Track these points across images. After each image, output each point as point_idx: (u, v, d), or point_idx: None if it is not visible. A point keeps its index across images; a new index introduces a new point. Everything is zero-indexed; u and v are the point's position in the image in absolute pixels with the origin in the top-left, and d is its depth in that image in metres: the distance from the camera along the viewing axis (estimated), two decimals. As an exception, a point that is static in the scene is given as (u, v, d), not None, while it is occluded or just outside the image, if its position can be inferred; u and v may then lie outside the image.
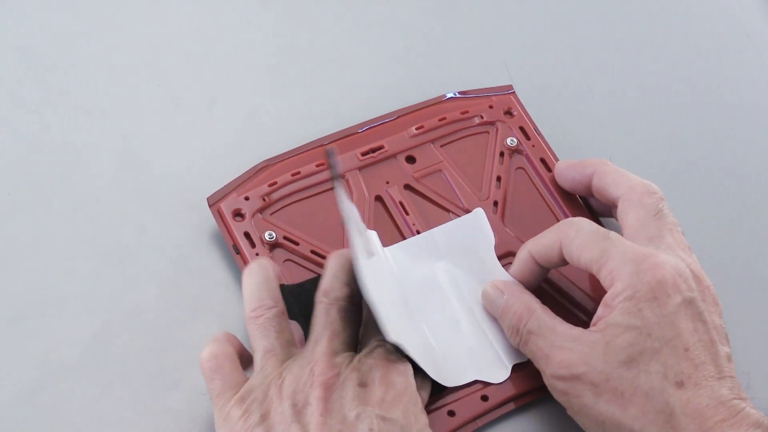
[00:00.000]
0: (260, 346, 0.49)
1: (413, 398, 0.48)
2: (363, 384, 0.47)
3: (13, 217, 0.56)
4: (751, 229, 0.63)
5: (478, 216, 0.58)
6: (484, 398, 0.52)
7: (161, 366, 0.52)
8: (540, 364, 0.51)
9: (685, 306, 0.48)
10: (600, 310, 0.50)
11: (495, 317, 0.54)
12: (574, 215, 0.57)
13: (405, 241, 0.56)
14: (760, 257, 0.62)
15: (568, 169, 0.58)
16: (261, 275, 0.51)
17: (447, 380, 0.52)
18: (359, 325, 0.51)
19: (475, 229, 0.57)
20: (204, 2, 0.67)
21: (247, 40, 0.65)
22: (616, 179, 0.55)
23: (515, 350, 0.53)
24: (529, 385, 0.53)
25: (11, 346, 0.52)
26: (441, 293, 0.55)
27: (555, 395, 0.50)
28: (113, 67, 0.62)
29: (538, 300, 0.53)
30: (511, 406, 0.53)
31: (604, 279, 0.50)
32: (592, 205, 0.60)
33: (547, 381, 0.50)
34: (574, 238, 0.51)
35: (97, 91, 0.61)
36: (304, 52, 0.65)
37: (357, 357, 0.49)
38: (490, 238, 0.57)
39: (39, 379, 0.51)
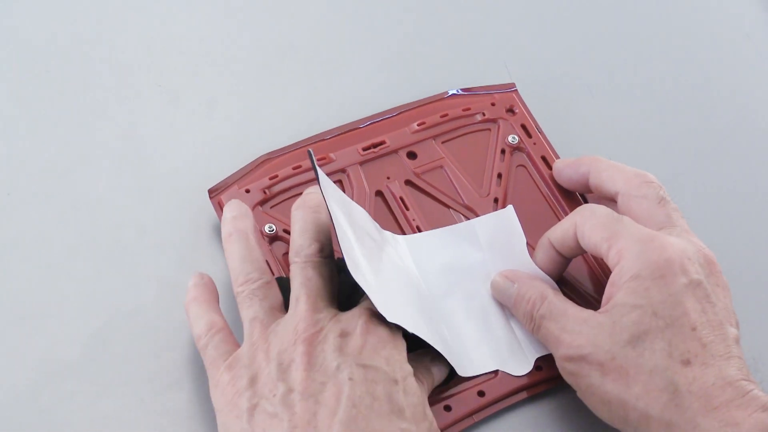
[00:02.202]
0: (246, 315, 0.49)
1: (398, 347, 0.48)
2: (344, 334, 0.47)
3: (13, 217, 0.56)
4: (752, 228, 0.63)
5: (509, 214, 0.58)
6: (481, 394, 0.52)
7: (161, 366, 0.52)
8: (551, 348, 0.51)
9: (693, 287, 0.48)
10: (607, 291, 0.50)
11: (508, 307, 0.54)
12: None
13: (445, 228, 0.57)
14: (760, 257, 0.62)
15: (565, 168, 0.59)
16: (243, 245, 0.51)
17: (466, 368, 0.52)
18: (336, 278, 0.51)
19: (508, 225, 0.57)
20: (203, 1, 0.67)
21: (249, 35, 0.65)
22: (611, 175, 0.55)
23: (539, 345, 0.53)
24: (526, 381, 0.53)
25: (11, 346, 0.52)
26: (472, 283, 0.55)
27: (565, 377, 0.51)
28: (113, 67, 0.62)
29: (551, 285, 0.53)
30: (507, 401, 0.53)
31: (612, 259, 0.50)
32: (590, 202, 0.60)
33: (558, 363, 0.51)
34: (588, 219, 0.51)
35: (97, 91, 0.61)
36: (306, 48, 0.65)
37: (341, 313, 0.49)
38: (521, 235, 0.57)
39: (39, 379, 0.51)
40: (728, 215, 0.62)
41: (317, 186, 0.52)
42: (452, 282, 0.55)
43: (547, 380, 0.53)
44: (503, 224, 0.57)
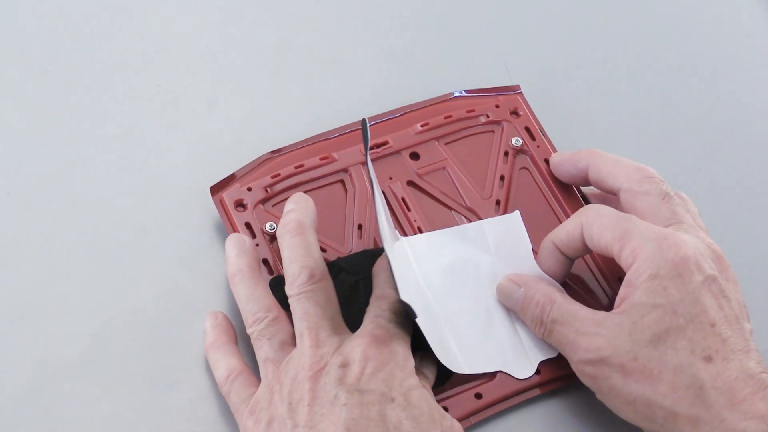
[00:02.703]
0: (259, 357, 0.51)
1: (399, 364, 0.48)
2: (344, 365, 0.48)
3: (13, 217, 0.55)
4: (752, 226, 0.63)
5: (515, 219, 0.58)
6: (478, 396, 0.52)
7: (161, 366, 0.52)
8: (566, 352, 0.51)
9: (709, 283, 0.49)
10: (622, 291, 0.50)
11: (514, 311, 0.54)
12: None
13: (453, 228, 0.57)
14: (760, 256, 0.62)
15: (562, 162, 0.59)
16: (246, 284, 0.52)
17: (465, 366, 0.52)
18: (334, 298, 0.51)
19: (514, 229, 0.57)
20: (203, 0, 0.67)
21: (251, 34, 0.65)
22: (611, 170, 0.55)
23: (542, 348, 0.53)
24: (523, 384, 0.53)
25: (11, 346, 0.51)
26: (478, 284, 0.55)
27: (583, 380, 0.51)
28: (113, 67, 0.62)
29: (558, 288, 0.53)
30: (504, 404, 0.53)
31: (625, 258, 0.50)
32: (591, 202, 0.60)
33: (575, 367, 0.51)
34: (596, 219, 0.51)
35: (97, 91, 0.61)
36: (309, 48, 0.65)
37: (345, 341, 0.49)
38: (527, 241, 0.57)
39: (39, 379, 0.51)
40: (729, 214, 0.63)
41: (295, 196, 0.53)
42: (456, 282, 0.55)
43: (544, 383, 0.53)
44: (510, 228, 0.57)
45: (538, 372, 0.53)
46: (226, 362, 0.51)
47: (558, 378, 0.53)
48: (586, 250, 0.52)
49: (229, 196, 0.56)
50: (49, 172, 0.57)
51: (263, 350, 0.50)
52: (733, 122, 0.67)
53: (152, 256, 0.55)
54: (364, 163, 0.58)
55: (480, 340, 0.53)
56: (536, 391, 0.53)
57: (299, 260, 0.51)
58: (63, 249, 0.55)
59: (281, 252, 0.52)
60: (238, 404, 0.50)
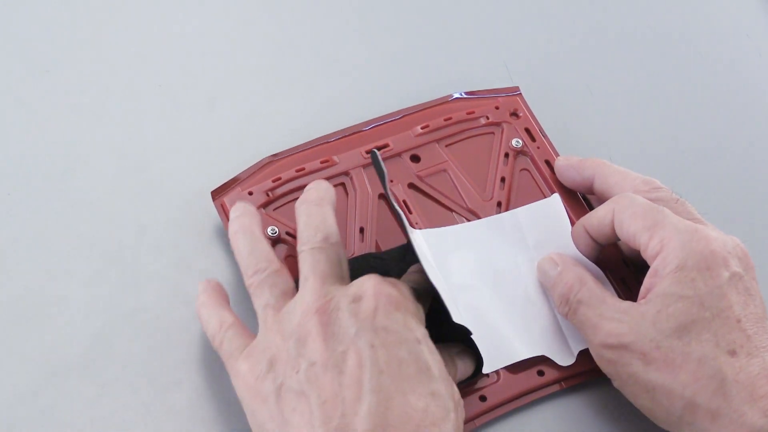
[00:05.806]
0: (258, 304, 0.49)
1: (410, 310, 0.47)
2: (357, 298, 0.46)
3: (13, 217, 0.55)
4: (752, 227, 0.63)
5: (555, 202, 0.58)
6: (483, 398, 0.52)
7: (161, 366, 0.52)
8: (588, 334, 0.51)
9: (736, 280, 0.49)
10: (647, 281, 0.50)
11: (547, 288, 0.54)
12: (578, 217, 0.57)
13: (490, 217, 0.57)
14: (760, 255, 0.62)
15: (567, 168, 0.59)
16: (248, 239, 0.51)
17: (510, 356, 0.53)
18: (345, 262, 0.51)
19: (553, 212, 0.58)
20: (204, 0, 0.66)
21: (251, 36, 0.65)
22: (618, 182, 0.55)
23: (582, 337, 0.53)
24: (527, 385, 0.53)
25: (11, 346, 0.52)
26: (516, 272, 0.55)
27: (601, 365, 0.51)
28: (113, 67, 0.62)
29: (594, 272, 0.54)
30: (509, 406, 0.53)
31: (653, 248, 0.50)
32: (594, 206, 0.60)
33: (594, 350, 0.51)
34: (628, 207, 0.52)
35: (97, 91, 0.61)
36: (309, 50, 0.65)
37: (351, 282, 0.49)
38: (567, 225, 0.57)
39: (39, 379, 0.51)
40: (729, 215, 0.63)
41: (317, 181, 0.53)
42: (491, 272, 0.55)
43: (548, 384, 0.53)
44: (548, 212, 0.58)
45: (542, 373, 0.53)
46: (218, 316, 0.50)
47: (562, 379, 0.54)
48: (615, 237, 0.53)
49: (230, 200, 0.56)
50: (49, 172, 0.57)
51: (264, 297, 0.49)
52: (733, 123, 0.67)
53: (152, 258, 0.55)
54: (365, 167, 0.59)
55: (519, 329, 0.54)
56: (542, 392, 0.53)
57: (316, 225, 0.50)
58: (63, 249, 0.55)
59: (297, 220, 0.51)
60: (232, 351, 0.48)
